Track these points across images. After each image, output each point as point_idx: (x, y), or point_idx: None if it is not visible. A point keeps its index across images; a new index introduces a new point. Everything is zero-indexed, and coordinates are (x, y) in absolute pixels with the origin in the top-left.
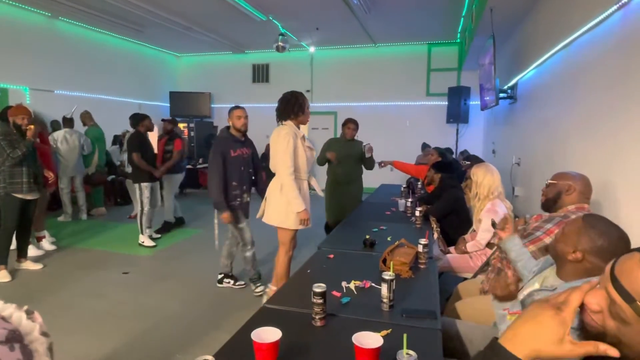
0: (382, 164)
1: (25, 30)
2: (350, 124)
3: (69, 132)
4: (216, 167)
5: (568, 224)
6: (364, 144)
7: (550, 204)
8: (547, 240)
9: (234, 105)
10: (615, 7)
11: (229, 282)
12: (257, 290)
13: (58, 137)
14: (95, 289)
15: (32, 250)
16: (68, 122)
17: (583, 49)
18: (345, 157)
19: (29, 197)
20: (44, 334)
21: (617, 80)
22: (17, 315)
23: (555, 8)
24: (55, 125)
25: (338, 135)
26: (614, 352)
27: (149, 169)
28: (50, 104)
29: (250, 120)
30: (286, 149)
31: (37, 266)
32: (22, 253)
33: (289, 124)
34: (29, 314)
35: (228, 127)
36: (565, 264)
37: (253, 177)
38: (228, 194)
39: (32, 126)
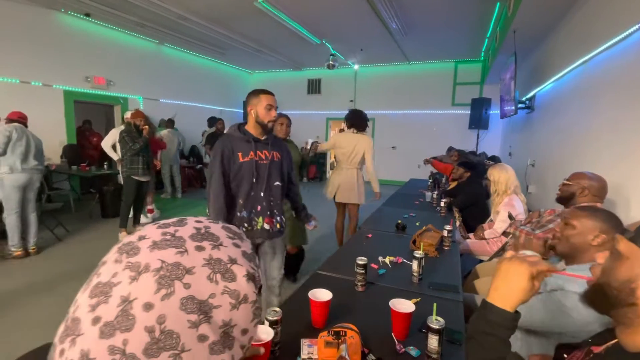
0: (426, 162)
1: (140, 54)
2: (283, 118)
3: (171, 132)
4: (215, 178)
5: (573, 219)
6: (311, 142)
7: (564, 200)
8: None
9: (260, 89)
10: (636, 26)
11: None
12: None
13: (163, 135)
14: None
15: (143, 219)
16: (170, 123)
17: (601, 65)
18: None
19: (143, 179)
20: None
21: (633, 93)
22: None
23: (575, 28)
24: (162, 125)
25: (375, 137)
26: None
27: None
28: (157, 109)
29: (303, 124)
30: (372, 151)
31: None
32: (136, 220)
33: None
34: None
35: (240, 124)
36: (586, 252)
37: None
38: (233, 215)
39: (146, 126)
